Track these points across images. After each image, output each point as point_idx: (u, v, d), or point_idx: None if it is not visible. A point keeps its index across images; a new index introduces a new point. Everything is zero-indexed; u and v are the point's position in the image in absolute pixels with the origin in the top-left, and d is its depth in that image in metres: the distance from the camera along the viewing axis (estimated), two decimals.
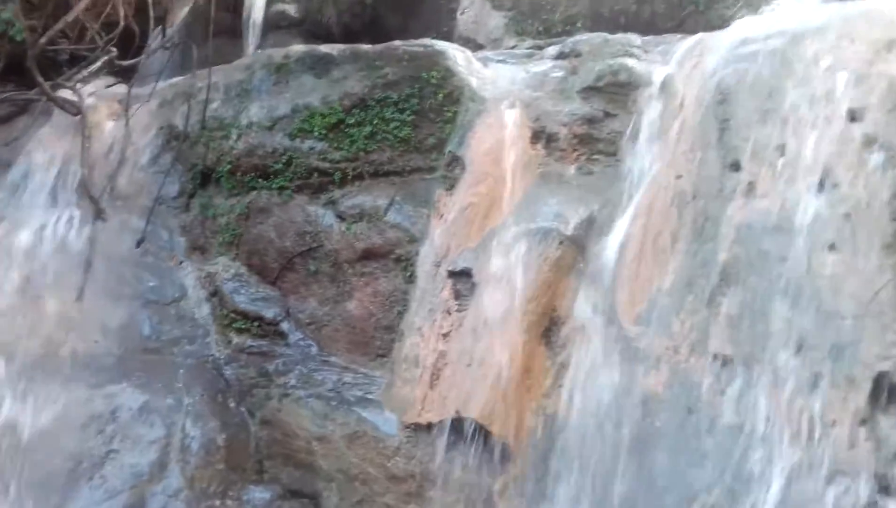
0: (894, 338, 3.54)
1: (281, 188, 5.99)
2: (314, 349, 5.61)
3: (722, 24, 5.73)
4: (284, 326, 5.72)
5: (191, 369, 5.46)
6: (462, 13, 8.67)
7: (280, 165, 6.00)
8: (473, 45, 8.08)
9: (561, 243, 4.91)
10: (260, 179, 6.07)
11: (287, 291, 5.84)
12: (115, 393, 5.16)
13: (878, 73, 4.11)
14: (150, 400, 5.14)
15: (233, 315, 5.78)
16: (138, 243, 6.18)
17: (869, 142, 3.94)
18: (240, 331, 5.73)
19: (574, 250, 4.92)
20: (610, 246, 4.82)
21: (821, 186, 4.00)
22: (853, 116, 4.06)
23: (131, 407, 5.10)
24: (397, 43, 6.23)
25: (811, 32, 4.50)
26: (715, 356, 4.11)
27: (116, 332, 5.62)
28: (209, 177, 6.34)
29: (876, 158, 3.90)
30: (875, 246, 3.73)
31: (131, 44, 7.95)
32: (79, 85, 7.10)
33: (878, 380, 3.53)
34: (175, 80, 7.12)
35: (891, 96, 3.99)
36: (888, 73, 4.09)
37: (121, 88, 7.42)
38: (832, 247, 3.85)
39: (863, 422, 3.53)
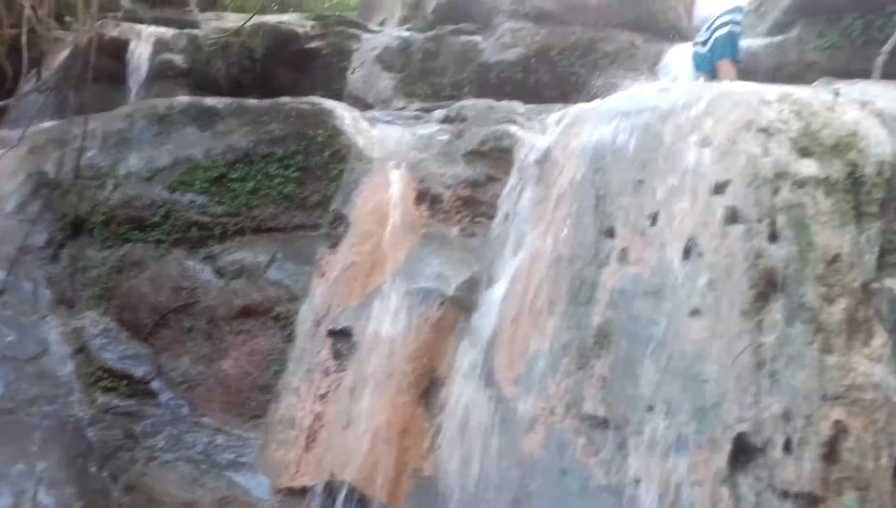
0: (753, 400, 3.71)
1: (158, 241, 5.81)
2: (185, 410, 5.38)
3: (602, 94, 6.01)
4: (155, 385, 5.47)
5: (48, 430, 5.11)
6: (353, 72, 8.76)
7: (158, 218, 5.83)
8: (363, 104, 8.16)
9: (442, 303, 4.95)
10: (136, 232, 5.87)
11: (160, 348, 5.61)
12: None
13: (739, 150, 4.39)
14: None
15: (99, 373, 5.48)
16: None
17: (731, 213, 4.17)
18: (106, 390, 5.43)
19: (455, 311, 4.96)
20: (490, 308, 4.89)
21: (687, 253, 4.20)
22: (716, 189, 4.30)
23: None
24: (285, 99, 6.24)
25: (679, 109, 4.78)
26: (588, 418, 4.19)
27: None
28: (81, 227, 6.07)
29: (737, 229, 4.14)
30: (735, 312, 3.92)
31: (2, 85, 7.63)
32: None
33: (738, 441, 3.68)
34: (48, 125, 6.84)
35: (749, 172, 4.27)
36: (748, 150, 4.37)
37: None
38: (697, 312, 4.02)
39: (724, 482, 3.66)
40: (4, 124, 6.94)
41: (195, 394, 5.41)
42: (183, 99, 6.60)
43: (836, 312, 3.77)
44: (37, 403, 5.29)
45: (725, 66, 6.51)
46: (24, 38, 7.78)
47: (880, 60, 6.00)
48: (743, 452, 3.66)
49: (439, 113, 6.51)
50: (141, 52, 8.70)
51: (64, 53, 8.27)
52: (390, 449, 4.57)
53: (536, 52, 8.16)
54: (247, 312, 5.48)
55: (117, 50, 8.59)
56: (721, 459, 3.67)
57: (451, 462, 4.49)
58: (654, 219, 4.43)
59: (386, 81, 8.58)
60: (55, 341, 5.66)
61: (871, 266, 3.89)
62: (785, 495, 3.54)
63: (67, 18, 8.95)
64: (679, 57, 7.73)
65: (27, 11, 7.82)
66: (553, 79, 8.03)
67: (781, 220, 4.09)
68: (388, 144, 6.12)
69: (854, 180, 4.14)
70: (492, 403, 4.57)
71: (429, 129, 6.26)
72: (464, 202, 5.58)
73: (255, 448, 5.11)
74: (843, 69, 6.18)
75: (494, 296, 4.91)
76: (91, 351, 5.54)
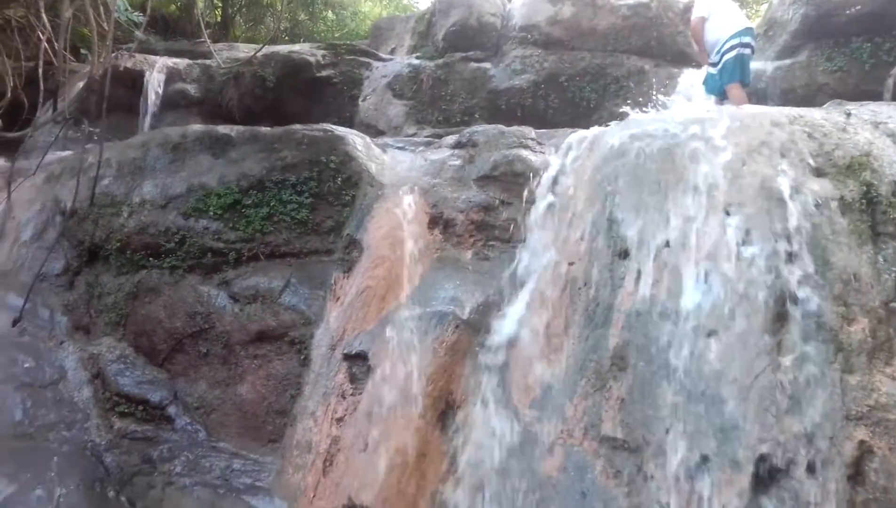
0: (774, 421, 3.69)
1: (173, 268, 5.82)
2: (202, 435, 5.38)
3: (612, 119, 6.05)
4: (171, 410, 5.47)
5: (67, 456, 5.10)
6: (364, 100, 8.86)
7: (172, 245, 5.86)
8: (374, 131, 8.24)
9: (457, 327, 4.94)
10: (151, 258, 5.89)
11: (175, 373, 5.61)
12: None
13: (752, 171, 4.42)
14: (17, 492, 4.71)
15: (116, 399, 5.48)
16: (15, 322, 5.84)
17: (745, 235, 4.19)
18: (123, 415, 5.43)
19: (470, 334, 4.96)
20: (505, 331, 4.88)
21: (702, 275, 4.21)
22: (730, 211, 4.32)
23: None
24: (297, 127, 6.29)
25: (691, 132, 4.82)
26: (607, 440, 4.17)
27: None
28: (97, 254, 6.10)
29: (752, 250, 4.15)
30: (753, 333, 3.92)
31: (19, 116, 7.72)
32: None
33: (760, 462, 3.66)
34: (64, 154, 6.92)
35: (762, 193, 4.28)
36: (761, 171, 4.40)
37: (3, 161, 7.16)
38: (714, 333, 4.02)
39: (748, 503, 3.63)
40: (21, 155, 6.99)
41: (211, 419, 5.41)
42: (196, 127, 6.65)
43: (856, 331, 3.77)
44: (55, 428, 5.30)
45: (735, 89, 6.56)
46: (40, 70, 7.89)
47: (891, 82, 6.06)
48: (766, 473, 3.64)
49: (450, 139, 6.55)
50: (155, 83, 8.81)
51: (79, 85, 8.38)
52: (408, 473, 4.54)
53: (546, 78, 8.25)
54: (262, 337, 5.48)
55: (132, 80, 8.71)
56: (744, 480, 3.64)
57: (470, 484, 4.46)
58: (668, 241, 4.45)
59: (397, 108, 8.67)
60: (72, 367, 5.68)
61: (889, 286, 3.90)
62: None
63: (83, 51, 9.07)
64: (689, 81, 7.79)
65: (43, 44, 7.93)
66: (563, 104, 8.11)
67: (797, 240, 4.10)
68: (399, 170, 6.16)
69: (869, 200, 4.16)
70: (509, 425, 4.55)
71: (440, 154, 6.30)
72: (477, 226, 5.60)
73: (272, 472, 5.09)
74: (852, 91, 6.24)
75: (510, 319, 4.91)
76: (107, 377, 5.55)
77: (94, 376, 5.62)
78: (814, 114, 4.85)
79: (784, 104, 5.63)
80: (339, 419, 4.93)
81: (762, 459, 3.65)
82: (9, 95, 7.55)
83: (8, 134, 7.56)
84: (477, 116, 8.29)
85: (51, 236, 6.25)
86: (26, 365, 5.59)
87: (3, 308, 5.91)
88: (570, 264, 4.85)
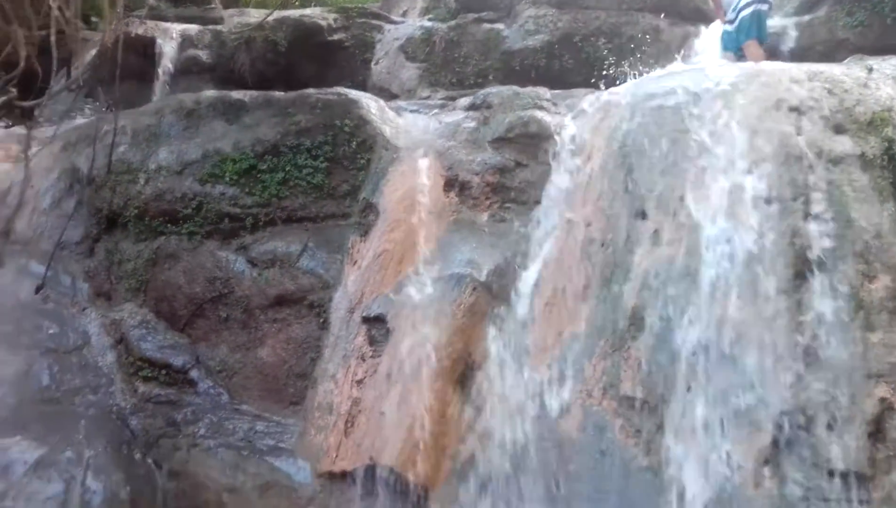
0: (794, 380, 3.71)
1: (191, 234, 5.85)
2: (225, 398, 5.44)
3: (628, 78, 5.99)
4: (193, 374, 5.54)
5: (93, 419, 5.18)
6: (376, 63, 8.78)
7: (190, 211, 5.88)
8: (387, 94, 8.18)
9: (474, 289, 4.97)
10: (169, 225, 5.92)
11: (197, 338, 5.67)
12: (8, 447, 4.83)
13: (771, 129, 4.38)
14: (48, 454, 4.83)
15: (139, 363, 5.55)
16: (38, 289, 5.90)
17: (764, 193, 4.16)
18: (146, 380, 5.50)
19: (487, 297, 4.98)
20: (523, 292, 4.90)
21: (721, 234, 4.19)
22: (748, 169, 4.29)
23: (26, 461, 4.77)
24: (310, 91, 6.26)
25: (709, 90, 4.77)
26: (626, 399, 4.21)
27: (12, 382, 5.30)
28: (115, 222, 6.13)
29: (771, 208, 4.12)
30: (773, 292, 3.92)
31: (33, 84, 7.71)
32: None
33: (780, 420, 3.68)
34: (79, 122, 6.93)
35: (781, 151, 4.25)
36: (778, 129, 4.36)
37: (20, 130, 7.17)
38: (733, 292, 4.01)
39: (767, 461, 3.66)
40: (37, 123, 7.00)
41: (233, 382, 5.47)
42: (210, 93, 6.64)
43: (878, 289, 3.76)
44: (81, 393, 5.39)
45: (752, 46, 6.48)
46: (52, 39, 7.85)
47: None
48: (786, 431, 3.65)
49: (465, 101, 6.51)
50: (167, 49, 8.77)
51: (92, 52, 8.33)
52: (428, 433, 4.59)
53: (560, 38, 8.14)
54: (281, 301, 5.52)
55: (143, 47, 8.67)
56: (763, 438, 3.67)
57: (489, 444, 4.52)
58: (685, 200, 4.43)
59: (410, 71, 8.60)
60: (95, 332, 5.76)
61: None
62: (831, 474, 3.53)
63: (94, 19, 9.03)
64: (705, 39, 7.69)
65: (55, 13, 7.90)
66: (578, 64, 8.01)
67: (817, 198, 4.08)
68: (414, 133, 6.14)
69: (891, 157, 4.12)
70: (527, 386, 4.59)
71: (455, 116, 6.27)
72: (492, 188, 5.59)
73: (294, 433, 5.16)
74: (874, 46, 6.12)
75: (527, 281, 4.93)
76: (130, 342, 5.61)
77: (116, 341, 5.69)
78: (834, 70, 4.79)
79: (803, 61, 5.53)
80: (360, 381, 4.98)
81: (782, 417, 3.66)
82: (22, 64, 7.52)
83: (23, 103, 7.56)
84: (491, 77, 8.20)
85: (69, 204, 6.27)
86: (51, 331, 5.67)
87: (26, 276, 5.97)
88: (588, 224, 4.84)
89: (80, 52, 8.18)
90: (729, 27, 6.74)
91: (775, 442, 3.65)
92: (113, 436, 5.12)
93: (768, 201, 4.19)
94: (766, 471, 3.63)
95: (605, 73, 7.51)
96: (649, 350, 4.19)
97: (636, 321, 4.31)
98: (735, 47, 6.67)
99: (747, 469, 3.66)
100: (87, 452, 4.90)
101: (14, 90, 7.47)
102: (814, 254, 3.92)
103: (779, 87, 4.63)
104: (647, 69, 6.85)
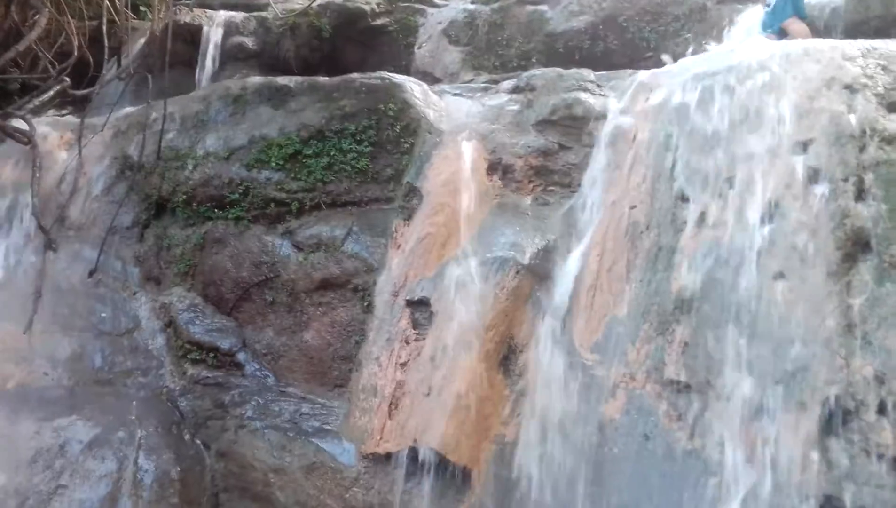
0: (843, 363, 3.62)
1: (237, 218, 5.95)
2: (271, 380, 5.55)
3: (673, 59, 5.89)
4: (241, 356, 5.65)
5: (144, 401, 5.34)
6: (419, 47, 8.78)
7: (236, 196, 5.97)
8: (431, 78, 8.18)
9: (518, 272, 4.96)
10: (216, 210, 6.03)
11: (243, 321, 5.78)
12: (64, 427, 4.99)
13: (820, 108, 4.26)
14: (101, 433, 4.99)
15: (188, 346, 5.68)
16: (90, 274, 6.08)
17: (814, 173, 4.06)
18: (195, 362, 5.63)
19: (531, 280, 4.97)
20: (566, 275, 4.89)
21: (768, 216, 4.12)
22: (798, 149, 4.20)
23: (81, 441, 4.94)
24: (355, 75, 6.29)
25: (756, 69, 4.66)
26: (670, 383, 4.17)
27: (66, 364, 5.48)
28: (164, 207, 6.27)
29: (821, 188, 4.03)
30: (822, 274, 3.83)
31: (85, 74, 7.90)
32: (30, 114, 7.00)
33: (828, 404, 3.61)
34: (130, 110, 7.06)
35: (832, 130, 4.14)
36: (829, 108, 4.24)
37: (73, 118, 7.35)
38: (781, 275, 3.94)
39: (814, 445, 3.59)
40: (89, 112, 7.17)
41: (279, 365, 5.57)
42: (256, 79, 6.71)
43: None
44: (132, 375, 5.54)
45: (793, 23, 6.30)
46: (103, 28, 8.05)
47: None
48: (834, 415, 3.59)
49: (508, 84, 6.47)
50: (213, 37, 8.88)
51: (141, 41, 8.50)
52: (471, 416, 4.62)
53: (604, 19, 8.04)
54: (326, 284, 5.58)
55: (190, 35, 8.79)
56: (811, 422, 3.60)
57: (532, 427, 4.53)
58: (731, 182, 4.35)
59: (453, 55, 8.58)
60: (145, 316, 5.91)
61: None
62: (881, 458, 3.44)
63: (142, 8, 9.20)
64: (752, 17, 7.52)
65: (105, 3, 8.10)
66: (622, 45, 7.91)
67: (869, 178, 3.96)
68: (457, 117, 6.13)
69: None
70: (570, 369, 4.59)
71: (498, 100, 6.24)
72: (536, 172, 5.57)
73: (339, 415, 5.23)
74: None
75: (571, 264, 4.91)
76: (179, 325, 5.74)
77: (166, 324, 5.84)
78: (890, 46, 4.63)
79: (855, 37, 5.38)
80: (403, 364, 5.03)
81: (830, 401, 3.59)
82: (75, 53, 7.73)
83: (76, 91, 7.75)
84: (534, 60, 8.13)
85: (120, 190, 6.42)
86: (103, 314, 5.84)
87: (79, 260, 6.15)
88: (632, 207, 4.79)
89: (129, 41, 8.35)
90: (767, 8, 6.60)
91: (823, 426, 3.58)
92: (163, 417, 5.26)
93: (818, 182, 4.08)
94: (814, 455, 3.56)
95: (649, 54, 7.40)
96: (694, 334, 4.14)
97: (681, 304, 4.26)
98: (775, 27, 6.50)
99: (794, 453, 3.60)
100: (139, 432, 5.04)
101: (67, 80, 7.68)
102: (864, 236, 3.82)
103: (831, 64, 4.49)
104: (692, 50, 6.73)
